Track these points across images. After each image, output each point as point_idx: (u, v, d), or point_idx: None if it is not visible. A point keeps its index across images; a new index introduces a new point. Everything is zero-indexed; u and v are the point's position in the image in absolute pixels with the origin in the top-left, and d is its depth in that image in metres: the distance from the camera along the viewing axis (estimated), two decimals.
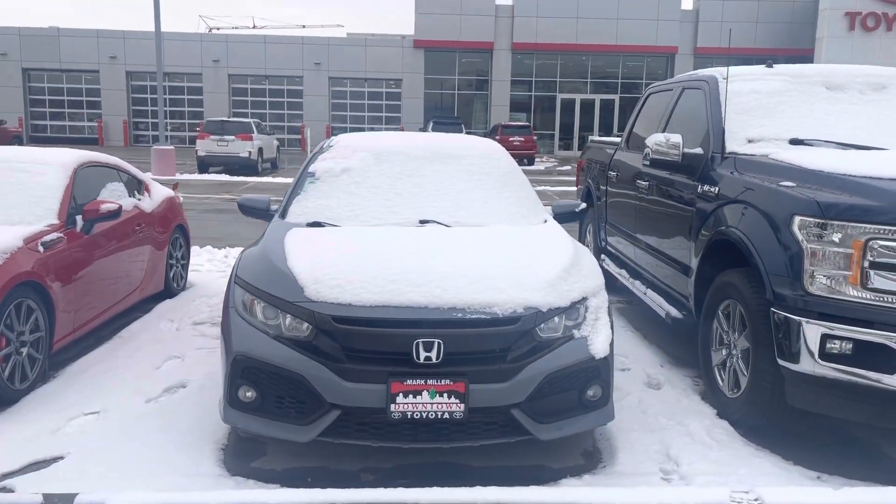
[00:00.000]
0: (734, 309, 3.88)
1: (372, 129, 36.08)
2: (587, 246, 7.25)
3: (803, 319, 3.33)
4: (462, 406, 3.04)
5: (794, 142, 4.30)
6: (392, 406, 3.01)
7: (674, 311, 4.78)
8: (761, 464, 3.41)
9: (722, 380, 4.02)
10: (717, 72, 4.98)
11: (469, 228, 3.95)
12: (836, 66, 4.90)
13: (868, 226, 3.22)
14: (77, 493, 2.68)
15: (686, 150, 4.65)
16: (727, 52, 34.54)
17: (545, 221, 4.28)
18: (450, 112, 36.76)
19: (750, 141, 4.39)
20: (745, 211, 3.85)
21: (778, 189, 3.64)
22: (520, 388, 3.10)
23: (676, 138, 4.66)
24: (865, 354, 3.22)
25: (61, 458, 3.29)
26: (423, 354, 3.02)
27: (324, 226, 4.01)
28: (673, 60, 35.65)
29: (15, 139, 24.65)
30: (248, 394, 3.17)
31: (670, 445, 3.57)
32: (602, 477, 3.27)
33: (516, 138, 28.91)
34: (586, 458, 3.51)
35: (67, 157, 5.11)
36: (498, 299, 3.17)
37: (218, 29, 45.97)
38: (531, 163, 28.27)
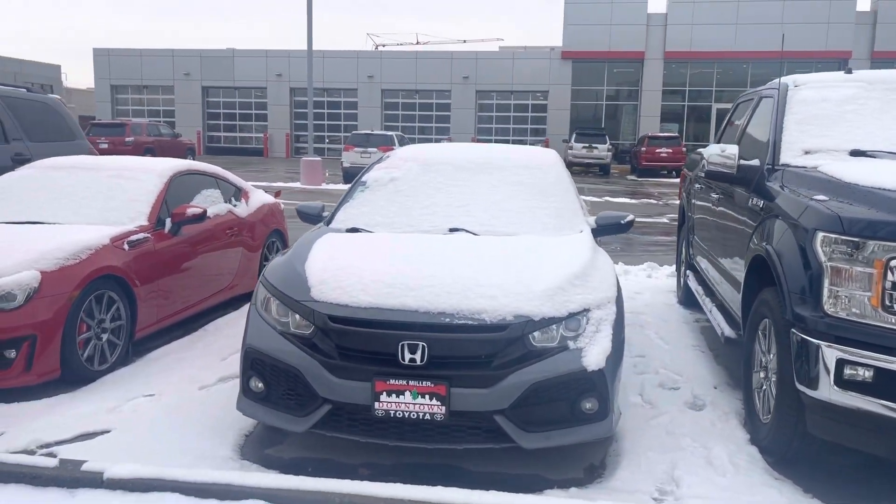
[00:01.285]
0: (769, 329, 3.67)
1: (519, 142, 36.31)
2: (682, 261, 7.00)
3: (822, 343, 3.10)
4: (443, 409, 3.12)
5: (855, 153, 3.99)
6: (377, 404, 3.15)
7: (727, 330, 4.55)
8: (771, 493, 3.21)
9: (758, 404, 3.80)
10: (791, 79, 4.70)
11: (494, 237, 4.02)
12: None
13: (891, 244, 2.96)
14: (85, 461, 3.04)
15: (742, 162, 4.43)
16: None
17: (581, 232, 4.24)
18: (596, 123, 36.22)
19: (807, 152, 4.12)
20: (776, 226, 3.63)
21: (806, 203, 3.41)
22: (503, 395, 3.14)
23: (732, 149, 4.46)
24: (886, 383, 2.96)
25: (108, 432, 3.71)
26: (407, 356, 3.14)
27: (359, 231, 4.23)
28: (846, 66, 33.03)
29: (188, 151, 27.18)
30: (258, 384, 3.44)
31: (679, 467, 3.44)
32: (590, 491, 3.22)
33: (664, 150, 28.04)
34: (587, 472, 3.46)
35: (165, 166, 5.70)
36: (488, 306, 3.23)
37: (384, 46, 48.29)
38: (679, 174, 27.21)
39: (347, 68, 37.53)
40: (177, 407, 4.04)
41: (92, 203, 5.21)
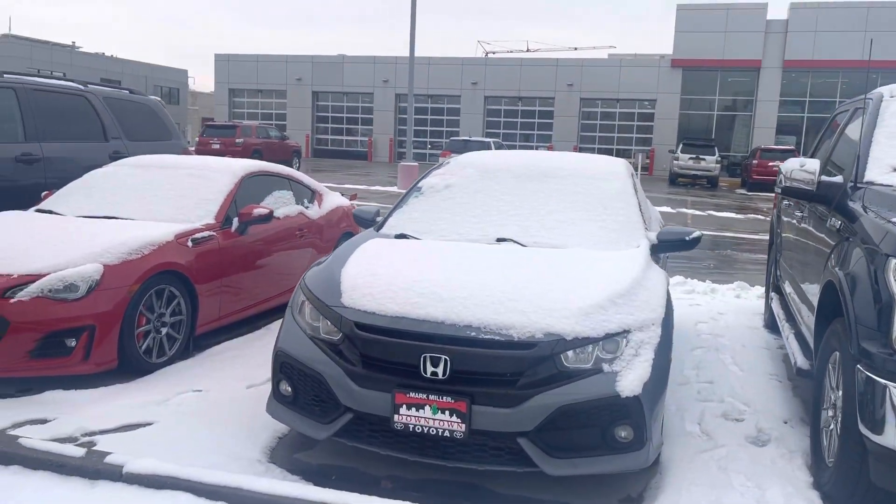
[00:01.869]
0: (838, 363, 3.33)
1: (624, 152, 35.44)
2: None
3: (890, 383, 2.77)
4: (463, 426, 2.99)
5: None
6: (396, 416, 3.06)
7: (801, 360, 4.18)
8: None
9: (824, 444, 3.45)
10: (889, 88, 4.28)
11: (542, 249, 3.85)
12: None
13: None
14: (110, 453, 3.11)
15: (823, 179, 4.06)
16: None
17: (637, 248, 4.01)
18: (706, 134, 34.84)
19: (895, 169, 3.72)
20: (851, 250, 3.29)
21: (883, 226, 3.06)
22: (528, 416, 2.98)
23: (812, 164, 4.09)
24: None
25: (150, 424, 3.80)
26: (429, 369, 3.04)
27: (406, 238, 4.16)
28: None
29: (294, 153, 28.13)
30: (286, 388, 3.42)
31: None
32: None
33: (777, 163, 26.59)
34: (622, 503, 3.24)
35: (237, 167, 5.85)
36: (517, 322, 3.08)
37: (494, 53, 48.42)
38: None
39: (452, 75, 37.84)
40: (220, 404, 4.10)
41: (165, 200, 5.40)
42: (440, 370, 3.03)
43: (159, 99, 9.14)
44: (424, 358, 3.04)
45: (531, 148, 36.85)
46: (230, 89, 41.69)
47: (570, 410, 2.99)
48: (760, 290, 8.27)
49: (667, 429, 4.05)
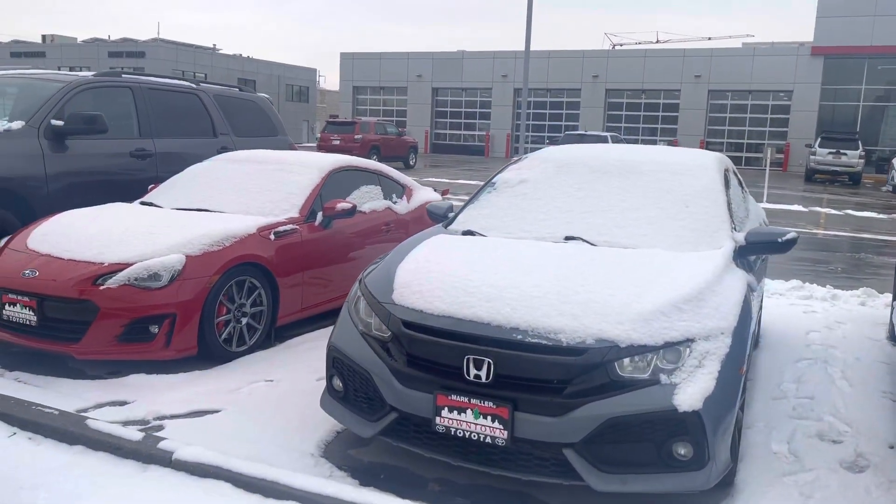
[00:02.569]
0: None
1: (756, 146, 33.59)
2: None
3: None
4: (505, 433, 2.86)
5: None
6: (438, 419, 2.97)
7: None
8: None
9: None
10: None
11: (610, 249, 3.64)
12: None
13: None
14: (164, 439, 3.20)
15: None
16: None
17: (719, 249, 3.70)
18: (849, 126, 32.34)
19: None
20: None
21: None
22: (574, 427, 2.80)
23: None
24: None
25: (217, 412, 3.91)
26: (472, 372, 2.92)
27: (473, 235, 4.06)
28: None
29: (411, 149, 28.55)
30: (338, 384, 3.41)
31: None
32: None
33: None
34: None
35: (325, 162, 5.94)
36: (568, 326, 2.91)
37: (621, 45, 47.19)
38: None
39: (572, 68, 37.18)
40: (288, 395, 4.16)
41: (254, 194, 5.56)
42: (483, 373, 2.91)
43: (267, 96, 9.47)
44: (468, 360, 2.93)
45: (654, 143, 35.62)
46: (354, 87, 42.95)
47: (621, 423, 2.79)
48: (889, 298, 7.53)
49: (748, 447, 3.74)
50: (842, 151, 26.09)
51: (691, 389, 2.80)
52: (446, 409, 2.95)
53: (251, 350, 4.91)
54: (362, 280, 3.63)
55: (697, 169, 4.34)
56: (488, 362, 2.90)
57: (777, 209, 17.70)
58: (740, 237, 3.89)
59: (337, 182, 5.94)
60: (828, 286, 7.93)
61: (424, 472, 3.37)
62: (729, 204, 4.12)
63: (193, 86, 8.03)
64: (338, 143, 25.79)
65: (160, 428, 3.65)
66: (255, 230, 4.96)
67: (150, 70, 45.75)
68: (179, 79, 8.04)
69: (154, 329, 4.36)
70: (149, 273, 4.35)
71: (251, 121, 8.73)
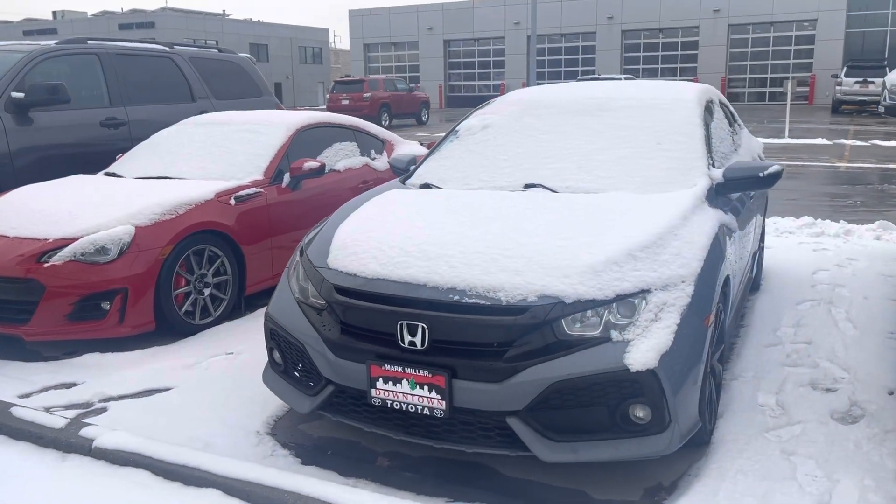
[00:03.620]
0: None
1: (778, 80, 32.46)
2: None
3: None
4: (444, 403, 2.60)
5: None
6: (373, 391, 2.72)
7: None
8: None
9: None
10: None
11: (572, 196, 3.32)
12: None
13: None
14: (89, 425, 3.01)
15: None
16: None
17: (692, 188, 3.36)
18: (877, 55, 31.00)
19: None
20: None
21: None
22: (517, 393, 2.53)
23: None
24: None
25: (169, 389, 3.71)
26: (407, 338, 2.66)
27: (430, 188, 3.77)
28: None
29: (423, 105, 28.01)
30: (278, 356, 3.17)
31: (773, 503, 2.59)
32: None
33: None
34: (647, 495, 2.73)
35: (293, 120, 5.64)
36: (508, 283, 2.62)
37: None
38: None
39: (586, 11, 36.08)
40: (246, 368, 3.94)
41: (217, 158, 5.30)
42: (418, 340, 2.64)
43: (249, 56, 9.14)
44: (401, 326, 2.67)
45: None
46: (364, 44, 42.24)
47: (567, 387, 2.51)
48: None
49: (732, 400, 3.46)
50: (869, 80, 25.02)
51: (645, 346, 2.51)
52: (381, 380, 2.69)
53: (218, 321, 4.71)
54: (303, 246, 3.37)
55: (674, 103, 3.97)
56: (422, 327, 2.63)
57: (800, 144, 17.04)
58: (718, 174, 3.54)
59: (306, 140, 5.65)
60: (841, 221, 7.51)
61: (376, 446, 3.14)
62: (707, 139, 3.76)
63: (167, 49, 7.74)
64: (347, 103, 25.38)
65: (103, 410, 3.47)
66: (212, 196, 4.71)
67: (161, 39, 45.48)
68: (151, 42, 7.75)
69: (106, 305, 4.16)
70: (95, 247, 4.13)
71: (232, 82, 8.43)
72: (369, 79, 26.15)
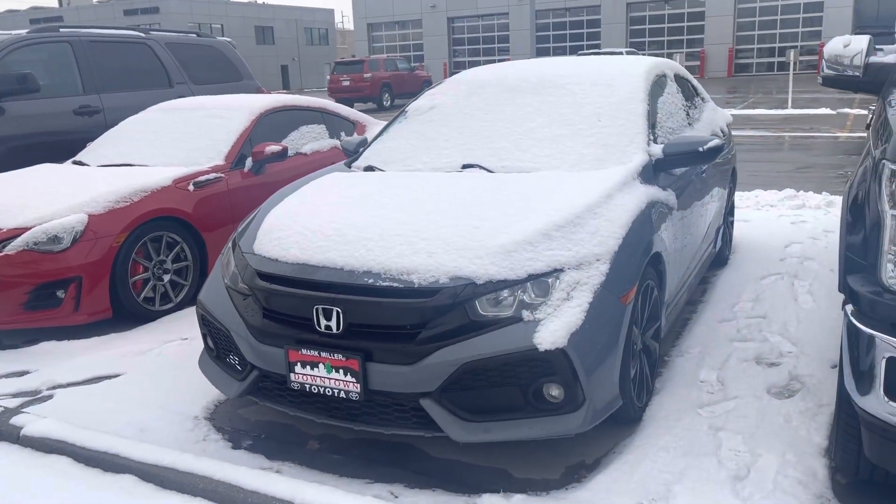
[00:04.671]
0: None
1: (782, 49, 31.95)
2: None
3: (876, 333, 2.06)
4: (358, 386, 2.62)
5: None
6: (292, 375, 2.73)
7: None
8: None
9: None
10: None
11: (505, 176, 3.29)
12: None
13: None
14: (20, 413, 3.05)
15: (873, 60, 3.13)
16: None
17: (625, 165, 3.33)
18: (887, 21, 30.36)
19: None
20: (868, 156, 2.48)
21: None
22: (429, 375, 2.54)
23: (859, 42, 3.16)
24: None
25: (118, 376, 3.75)
26: (323, 322, 2.67)
27: (373, 170, 3.76)
28: None
29: (425, 83, 27.85)
30: (210, 342, 3.20)
31: (688, 477, 2.59)
32: (537, 500, 2.52)
33: None
34: (568, 473, 2.73)
35: (256, 104, 5.62)
36: (421, 265, 2.61)
37: None
38: None
39: None
40: (196, 354, 3.97)
41: (180, 144, 5.31)
42: (333, 323, 2.65)
43: (229, 40, 9.11)
44: (317, 310, 2.67)
45: (672, 58, 34.16)
46: (368, 24, 41.98)
47: (477, 367, 2.51)
48: None
49: (674, 377, 3.45)
50: (877, 47, 24.57)
51: (554, 325, 2.50)
52: (299, 364, 2.71)
53: (179, 307, 4.74)
54: (237, 230, 3.37)
55: (621, 78, 3.91)
56: (337, 311, 2.63)
57: (802, 114, 16.81)
58: (657, 150, 3.50)
59: (271, 124, 5.64)
60: (824, 193, 7.42)
61: (309, 429, 3.16)
62: (649, 114, 3.70)
63: (142, 35, 7.73)
64: (347, 83, 25.31)
65: (49, 398, 3.51)
66: (169, 182, 4.72)
67: (166, 26, 45.40)
68: (126, 29, 7.74)
69: (60, 294, 4.20)
70: (48, 236, 4.16)
71: (211, 67, 8.42)
72: (370, 59, 26.03)
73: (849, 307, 2.19)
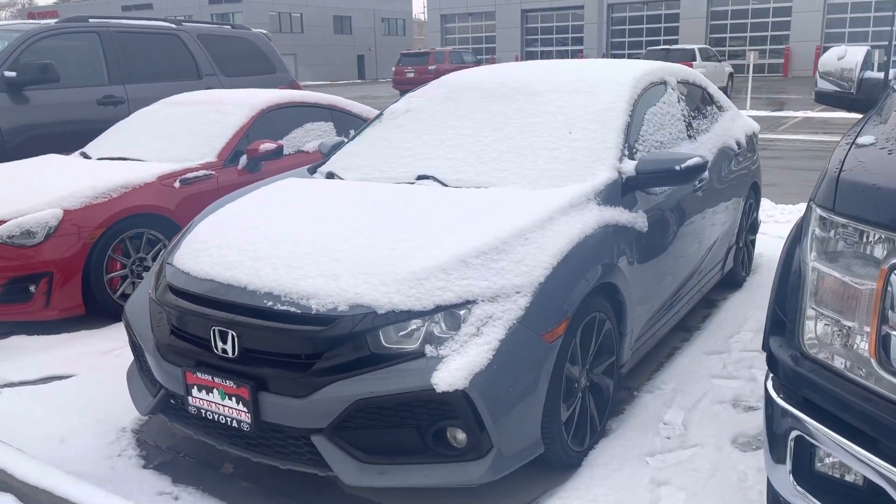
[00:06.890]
0: None
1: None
2: None
3: (785, 403, 1.75)
4: (249, 416, 2.43)
5: None
6: (190, 398, 2.57)
7: None
8: None
9: None
10: None
11: (454, 191, 3.04)
12: None
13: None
14: None
15: (868, 75, 2.74)
16: None
17: (583, 183, 3.02)
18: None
19: None
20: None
21: (840, 151, 1.91)
22: (320, 410, 2.33)
23: (856, 53, 2.77)
24: (861, 494, 1.56)
25: (70, 377, 3.69)
26: (220, 345, 2.50)
27: (334, 177, 3.57)
28: None
29: None
30: (134, 353, 3.08)
31: None
32: None
33: None
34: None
35: (258, 100, 5.51)
36: (322, 290, 2.40)
37: None
38: None
39: None
40: None
41: (176, 140, 5.25)
42: (229, 347, 2.48)
43: (265, 32, 9.09)
44: (214, 331, 2.51)
45: (763, 52, 32.65)
46: (441, 15, 41.82)
47: (371, 405, 2.29)
48: None
49: (635, 416, 3.15)
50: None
51: (455, 364, 2.25)
52: (195, 387, 2.55)
53: None
54: (173, 238, 3.25)
55: (604, 86, 3.59)
56: (232, 335, 2.46)
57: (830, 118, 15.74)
58: (630, 167, 3.18)
59: (273, 121, 5.52)
60: None
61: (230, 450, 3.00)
62: (629, 127, 3.38)
63: (173, 26, 7.76)
64: (412, 75, 25.26)
65: None
66: (154, 179, 4.66)
67: (248, 14, 46.40)
68: (157, 20, 7.79)
69: (32, 288, 4.18)
70: (21, 230, 4.15)
71: (244, 59, 8.41)
72: (435, 51, 25.90)
73: (769, 366, 1.87)
